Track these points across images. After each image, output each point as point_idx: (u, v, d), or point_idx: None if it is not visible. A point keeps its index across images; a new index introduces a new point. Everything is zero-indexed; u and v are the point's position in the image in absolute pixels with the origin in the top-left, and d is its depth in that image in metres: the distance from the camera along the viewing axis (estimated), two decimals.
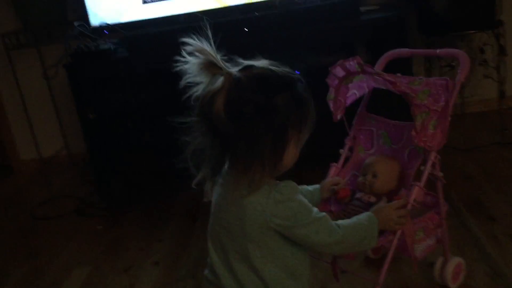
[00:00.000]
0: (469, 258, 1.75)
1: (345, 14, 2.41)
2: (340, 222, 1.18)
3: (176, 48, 1.05)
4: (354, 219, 1.22)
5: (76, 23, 2.49)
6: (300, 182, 1.16)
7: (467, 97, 3.02)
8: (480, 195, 2.17)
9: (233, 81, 1.02)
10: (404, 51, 1.64)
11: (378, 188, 1.49)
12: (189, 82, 1.06)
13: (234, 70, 1.05)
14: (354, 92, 1.58)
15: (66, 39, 2.49)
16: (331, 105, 1.54)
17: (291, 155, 1.09)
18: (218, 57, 1.05)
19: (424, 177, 1.43)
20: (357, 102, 1.63)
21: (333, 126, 1.56)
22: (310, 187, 1.43)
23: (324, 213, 1.15)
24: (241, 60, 1.07)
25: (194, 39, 1.03)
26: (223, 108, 1.01)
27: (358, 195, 1.53)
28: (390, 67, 1.64)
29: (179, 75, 1.07)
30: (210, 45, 1.04)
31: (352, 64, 1.42)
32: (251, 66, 1.06)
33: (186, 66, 1.05)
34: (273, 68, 1.07)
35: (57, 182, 3.07)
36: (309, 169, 1.67)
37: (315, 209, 1.14)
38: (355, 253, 1.65)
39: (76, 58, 2.43)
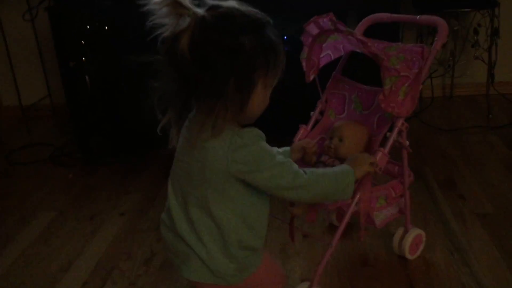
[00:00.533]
0: (433, 232, 1.74)
1: None
2: (309, 169, 1.15)
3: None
4: (328, 168, 1.19)
5: None
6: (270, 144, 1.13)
7: (457, 77, 2.98)
8: (455, 174, 2.16)
9: (198, 21, 0.99)
10: (384, 15, 1.59)
11: (343, 153, 1.46)
12: (155, 24, 1.02)
13: (200, 10, 1.01)
14: (328, 53, 1.54)
15: None
16: (304, 64, 1.51)
17: (258, 99, 1.06)
18: None
19: (389, 144, 1.40)
20: (333, 65, 1.60)
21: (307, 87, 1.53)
22: (280, 149, 1.40)
23: (288, 159, 1.12)
24: (209, 1, 1.03)
25: None
26: (188, 47, 0.99)
27: (323, 158, 1.50)
28: (378, 36, 1.60)
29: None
30: None
31: (326, 20, 1.37)
32: (218, 6, 1.02)
33: (152, 7, 1.01)
34: (241, 8, 1.03)
35: (37, 130, 3.05)
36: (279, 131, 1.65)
37: (279, 156, 1.11)
38: (316, 216, 1.64)
39: (59, 1, 2.37)
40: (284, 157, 1.34)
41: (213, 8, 1.02)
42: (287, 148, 1.43)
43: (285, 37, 2.42)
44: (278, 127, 1.68)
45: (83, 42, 2.43)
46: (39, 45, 3.08)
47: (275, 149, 1.38)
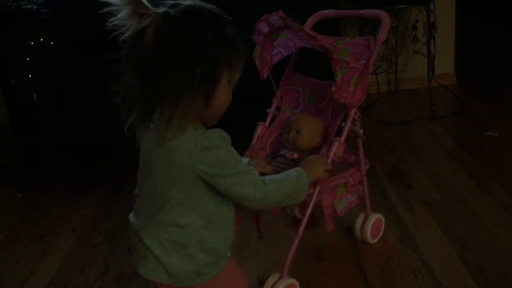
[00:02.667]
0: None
1: None
2: (267, 177, 1.17)
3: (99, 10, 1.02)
4: (283, 174, 1.21)
5: None
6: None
7: (400, 72, 3.07)
8: (402, 165, 2.23)
9: (161, 16, 1.01)
10: (330, 11, 1.65)
11: (301, 144, 1.51)
12: (116, 25, 1.02)
13: (162, 9, 1.03)
14: (280, 50, 1.58)
15: None
16: (257, 62, 1.54)
17: (223, 95, 1.07)
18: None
19: (345, 133, 1.46)
20: (286, 62, 1.64)
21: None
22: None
23: (252, 167, 1.13)
24: (168, 1, 1.05)
25: None
26: (153, 40, 1.00)
27: (282, 152, 1.55)
28: (321, 32, 1.64)
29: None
30: None
31: (276, 18, 1.41)
32: (179, 3, 1.04)
33: (113, 8, 1.01)
34: (202, 4, 1.05)
35: None
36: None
37: (244, 162, 1.13)
38: (280, 211, 1.65)
39: None
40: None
41: (174, 5, 1.04)
42: (245, 160, 1.42)
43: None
44: (237, 127, 1.71)
45: (28, 59, 2.38)
46: None
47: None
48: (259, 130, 1.62)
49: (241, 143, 1.56)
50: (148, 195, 1.14)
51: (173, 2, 1.04)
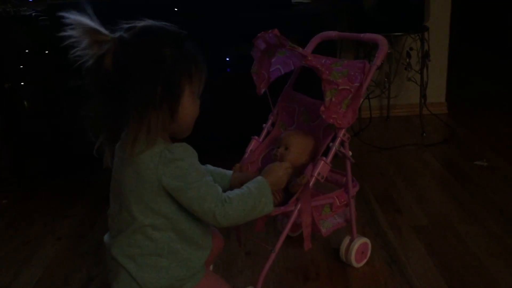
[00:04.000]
0: (372, 246, 1.77)
1: (277, 3, 2.43)
2: (229, 193, 1.16)
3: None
4: (245, 188, 1.20)
5: None
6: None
7: (393, 98, 3.11)
8: (391, 189, 2.23)
9: (117, 41, 1.05)
10: (332, 33, 1.68)
11: (289, 161, 1.50)
12: (77, 56, 1.06)
13: (118, 34, 1.07)
14: (278, 67, 1.60)
15: None
16: (254, 78, 1.56)
17: (187, 108, 1.10)
18: (99, 27, 1.05)
19: (331, 153, 1.46)
20: (285, 79, 1.67)
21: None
22: (223, 171, 1.40)
23: (216, 184, 1.14)
24: (124, 25, 1.09)
25: (73, 14, 1.04)
26: (111, 65, 1.04)
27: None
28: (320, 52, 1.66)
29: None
30: (90, 15, 1.06)
31: (271, 36, 1.42)
32: (134, 26, 1.08)
33: (73, 40, 1.05)
34: (158, 24, 1.09)
35: None
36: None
37: (209, 177, 1.13)
38: (263, 225, 1.63)
39: None
40: (223, 178, 1.35)
41: (129, 28, 1.08)
42: (224, 171, 1.41)
43: (227, 58, 2.47)
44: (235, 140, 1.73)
45: (21, 66, 2.37)
46: None
47: (219, 170, 1.39)
48: (253, 144, 1.64)
49: (239, 156, 1.58)
50: (118, 213, 1.15)
51: (128, 26, 1.08)
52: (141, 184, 1.09)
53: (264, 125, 1.67)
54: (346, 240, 1.68)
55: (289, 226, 1.43)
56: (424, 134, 2.84)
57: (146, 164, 1.07)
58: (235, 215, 1.14)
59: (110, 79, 1.04)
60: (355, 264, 1.66)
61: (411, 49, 2.86)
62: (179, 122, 1.11)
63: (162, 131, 1.09)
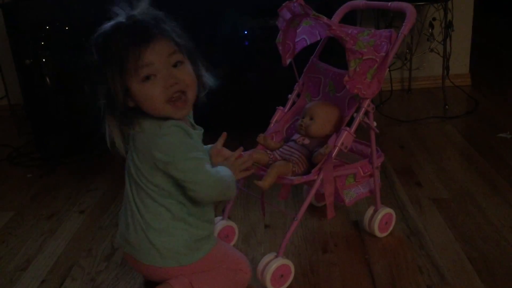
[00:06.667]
0: None
1: None
2: (214, 169, 1.24)
3: None
4: (221, 171, 1.25)
5: None
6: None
7: (414, 70, 3.05)
8: (412, 163, 2.21)
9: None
10: (361, 2, 1.65)
11: (314, 131, 1.53)
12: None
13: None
14: (304, 37, 1.59)
15: None
16: (279, 48, 1.55)
17: (143, 95, 1.15)
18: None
19: (355, 123, 1.46)
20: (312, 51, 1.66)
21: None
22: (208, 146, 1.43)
23: (205, 157, 1.21)
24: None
25: None
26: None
27: (294, 136, 1.57)
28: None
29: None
30: None
31: (296, 5, 1.41)
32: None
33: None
34: (111, 24, 1.17)
35: None
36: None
37: (198, 152, 1.20)
38: (288, 194, 1.66)
39: None
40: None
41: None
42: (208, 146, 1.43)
43: (245, 32, 2.45)
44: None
45: (42, 43, 2.39)
46: None
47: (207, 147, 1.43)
48: (278, 114, 1.65)
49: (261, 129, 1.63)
50: (132, 186, 1.28)
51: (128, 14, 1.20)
52: (138, 159, 1.20)
53: (289, 95, 1.67)
54: (370, 210, 1.68)
55: (311, 195, 1.45)
56: (447, 107, 2.79)
57: (142, 141, 1.19)
58: (217, 190, 1.22)
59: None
60: (378, 234, 1.66)
61: (434, 19, 2.80)
62: (147, 110, 1.17)
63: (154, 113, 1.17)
